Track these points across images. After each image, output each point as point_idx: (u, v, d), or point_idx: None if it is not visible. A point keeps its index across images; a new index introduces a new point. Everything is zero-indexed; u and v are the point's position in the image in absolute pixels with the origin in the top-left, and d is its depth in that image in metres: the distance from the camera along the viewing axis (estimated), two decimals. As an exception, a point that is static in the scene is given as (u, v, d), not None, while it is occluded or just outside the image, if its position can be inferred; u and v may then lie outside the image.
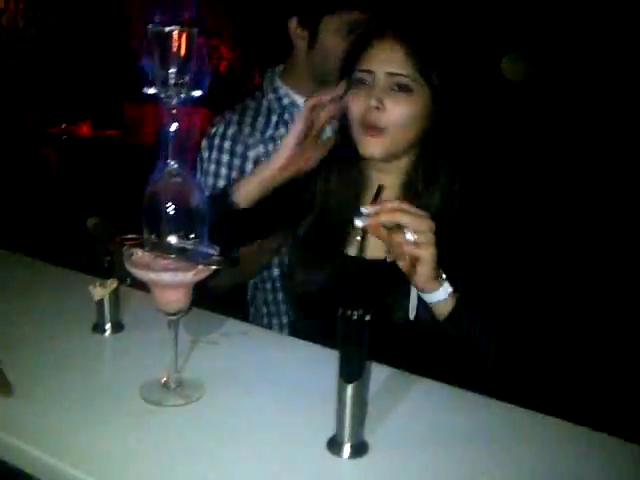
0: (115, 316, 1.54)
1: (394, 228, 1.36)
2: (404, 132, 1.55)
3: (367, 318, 1.11)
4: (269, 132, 2.10)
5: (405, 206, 1.36)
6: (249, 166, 2.06)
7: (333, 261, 1.64)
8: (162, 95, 1.18)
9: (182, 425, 1.21)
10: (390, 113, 1.53)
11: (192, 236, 1.23)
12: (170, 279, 1.20)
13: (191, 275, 1.21)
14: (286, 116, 2.11)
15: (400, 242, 1.35)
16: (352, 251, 1.41)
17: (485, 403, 1.33)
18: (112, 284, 1.50)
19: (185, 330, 1.49)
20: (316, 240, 1.70)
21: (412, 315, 1.51)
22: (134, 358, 1.44)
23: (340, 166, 1.67)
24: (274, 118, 2.12)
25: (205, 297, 1.38)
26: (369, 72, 1.56)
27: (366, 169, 1.68)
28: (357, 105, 1.56)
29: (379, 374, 1.37)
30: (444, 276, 1.42)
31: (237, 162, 2.07)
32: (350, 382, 1.12)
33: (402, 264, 1.38)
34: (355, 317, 1.12)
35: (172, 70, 1.16)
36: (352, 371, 1.13)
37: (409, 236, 1.34)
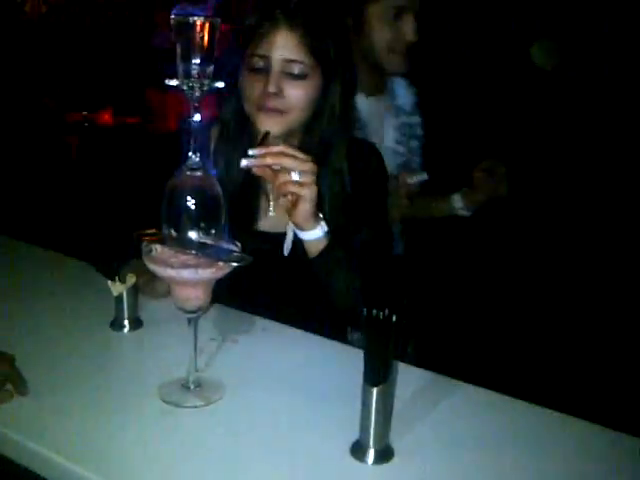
0: (134, 312, 1.51)
1: (279, 170, 1.46)
2: (301, 113, 1.60)
3: (394, 318, 1.08)
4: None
5: (289, 150, 1.46)
6: None
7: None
8: (184, 87, 1.14)
9: (201, 427, 1.18)
10: (288, 98, 1.57)
11: (212, 231, 1.20)
12: (190, 276, 1.17)
13: (211, 272, 1.18)
14: None
15: (285, 181, 1.45)
16: (262, 226, 1.68)
17: (517, 406, 1.29)
18: (131, 279, 1.47)
19: (205, 327, 1.46)
20: None
21: (287, 251, 1.65)
22: (153, 356, 1.41)
23: (233, 145, 1.66)
24: None
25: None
26: (264, 57, 1.56)
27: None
28: (254, 90, 1.58)
29: (405, 375, 1.33)
30: (321, 216, 1.53)
31: None
32: (375, 385, 1.09)
33: (284, 202, 1.49)
34: (381, 317, 1.08)
35: (195, 61, 1.13)
36: (377, 373, 1.09)
37: (294, 175, 1.44)
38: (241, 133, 1.65)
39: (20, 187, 2.59)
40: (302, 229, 1.51)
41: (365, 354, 1.09)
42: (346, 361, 1.32)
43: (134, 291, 1.51)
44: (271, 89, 1.54)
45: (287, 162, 1.44)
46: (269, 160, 1.44)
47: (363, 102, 2.07)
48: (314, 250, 1.53)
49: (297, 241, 1.58)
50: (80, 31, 6.75)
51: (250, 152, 1.44)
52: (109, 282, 1.47)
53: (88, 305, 1.60)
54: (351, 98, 1.70)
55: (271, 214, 1.69)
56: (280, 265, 1.65)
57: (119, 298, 1.49)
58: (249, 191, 1.68)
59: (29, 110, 5.61)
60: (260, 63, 1.56)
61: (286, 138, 1.62)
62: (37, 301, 1.63)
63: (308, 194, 1.45)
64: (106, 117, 6.25)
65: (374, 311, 1.07)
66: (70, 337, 1.46)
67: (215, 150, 1.68)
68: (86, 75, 6.45)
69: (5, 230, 2.06)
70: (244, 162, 1.43)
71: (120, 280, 1.47)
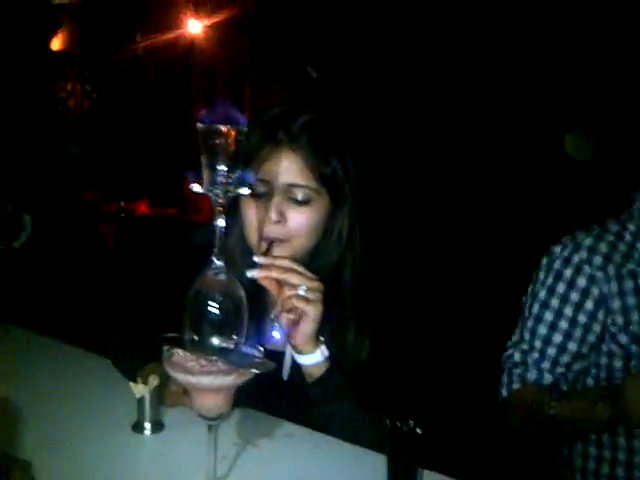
0: (156, 414, 1.49)
1: (285, 284, 1.40)
2: (307, 240, 1.53)
3: (418, 431, 1.05)
4: (630, 266, 1.71)
5: (296, 266, 1.40)
6: (589, 305, 1.71)
7: None
8: (209, 194, 1.15)
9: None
10: (292, 225, 1.49)
11: (234, 337, 1.18)
12: (209, 383, 1.15)
13: (232, 379, 1.15)
14: None
15: (290, 295, 1.39)
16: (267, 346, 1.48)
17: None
18: (154, 381, 1.45)
19: (228, 431, 1.43)
20: None
21: (285, 376, 1.59)
22: (173, 461, 1.38)
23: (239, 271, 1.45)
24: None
25: None
26: (266, 182, 1.48)
27: None
28: (255, 217, 1.50)
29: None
30: (322, 339, 1.46)
31: (575, 297, 1.72)
32: (399, 502, 1.05)
33: (286, 320, 1.41)
34: (405, 429, 1.05)
35: (220, 168, 1.13)
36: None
37: (301, 291, 1.39)
38: (246, 260, 1.48)
39: (51, 278, 2.63)
40: (301, 352, 1.45)
41: (388, 469, 1.05)
42: (373, 469, 1.27)
43: (157, 393, 1.48)
44: (273, 217, 1.46)
45: (293, 278, 1.39)
46: (275, 274, 1.39)
47: None
48: (313, 375, 1.46)
49: (297, 365, 1.50)
50: (121, 124, 6.95)
51: (255, 259, 1.41)
52: (131, 383, 1.46)
53: (110, 405, 1.58)
54: (360, 219, 1.60)
55: (276, 336, 1.56)
56: (279, 389, 1.58)
57: (141, 400, 1.47)
58: (254, 311, 1.58)
59: (66, 201, 5.70)
60: (261, 188, 1.48)
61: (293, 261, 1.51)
62: (56, 399, 1.61)
63: (313, 312, 1.39)
64: (143, 207, 6.35)
65: (398, 423, 1.04)
66: (90, 439, 1.43)
67: None
68: (124, 166, 6.60)
69: (29, 323, 2.07)
70: (249, 273, 1.38)
71: (142, 382, 1.45)
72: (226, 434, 1.40)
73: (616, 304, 1.68)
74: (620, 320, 1.68)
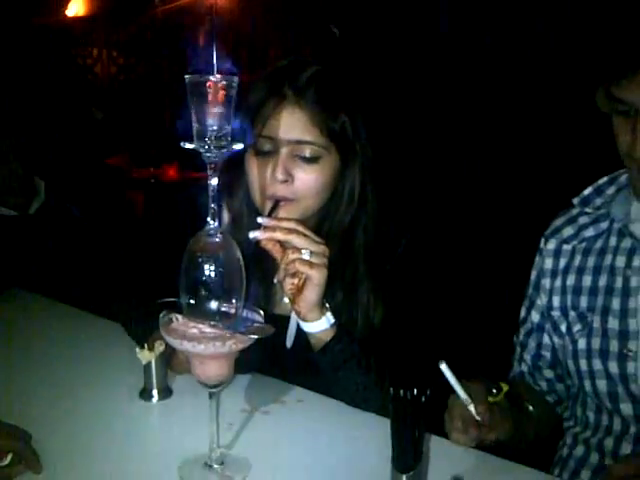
0: (163, 381, 1.45)
1: (289, 247, 1.34)
2: (315, 199, 1.46)
3: (423, 399, 0.99)
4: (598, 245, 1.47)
5: (301, 228, 1.34)
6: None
7: None
8: (202, 150, 1.09)
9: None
10: (299, 184, 1.42)
11: (233, 300, 1.13)
12: (207, 350, 1.10)
13: (230, 345, 1.10)
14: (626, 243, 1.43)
15: (293, 259, 1.32)
16: (274, 310, 1.53)
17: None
18: (160, 347, 1.41)
19: (237, 397, 1.40)
20: None
21: (289, 343, 1.51)
22: (180, 429, 1.34)
23: (244, 233, 1.40)
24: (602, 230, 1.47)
25: None
26: (271, 139, 1.41)
27: None
28: (261, 176, 1.43)
29: (440, 452, 1.22)
30: (327, 305, 1.39)
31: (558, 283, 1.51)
32: (404, 472, 1.00)
33: (289, 286, 1.35)
34: (408, 397, 1.00)
35: (211, 122, 1.07)
36: (406, 459, 1.01)
37: (305, 254, 1.32)
38: (252, 222, 1.41)
39: (67, 244, 2.58)
40: (306, 320, 1.38)
41: (392, 438, 1.00)
42: (383, 436, 1.21)
43: (164, 360, 1.44)
44: (279, 176, 1.39)
45: (298, 240, 1.32)
46: (279, 235, 1.33)
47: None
48: (319, 343, 1.39)
49: (302, 332, 1.43)
50: (147, 89, 6.90)
51: (259, 220, 1.35)
52: (137, 349, 1.42)
53: (119, 371, 1.55)
54: (372, 178, 1.52)
55: (285, 300, 1.50)
56: (284, 356, 1.52)
57: (148, 366, 1.43)
58: (259, 275, 1.50)
59: (95, 167, 5.68)
60: (267, 145, 1.42)
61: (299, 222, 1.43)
62: (65, 366, 1.59)
63: (317, 277, 1.32)
64: (171, 172, 6.30)
65: (401, 391, 0.99)
66: (96, 407, 1.40)
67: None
68: (152, 131, 6.55)
69: (40, 288, 2.05)
70: (252, 234, 1.32)
71: (149, 348, 1.41)
72: (233, 401, 1.37)
73: None
74: None
